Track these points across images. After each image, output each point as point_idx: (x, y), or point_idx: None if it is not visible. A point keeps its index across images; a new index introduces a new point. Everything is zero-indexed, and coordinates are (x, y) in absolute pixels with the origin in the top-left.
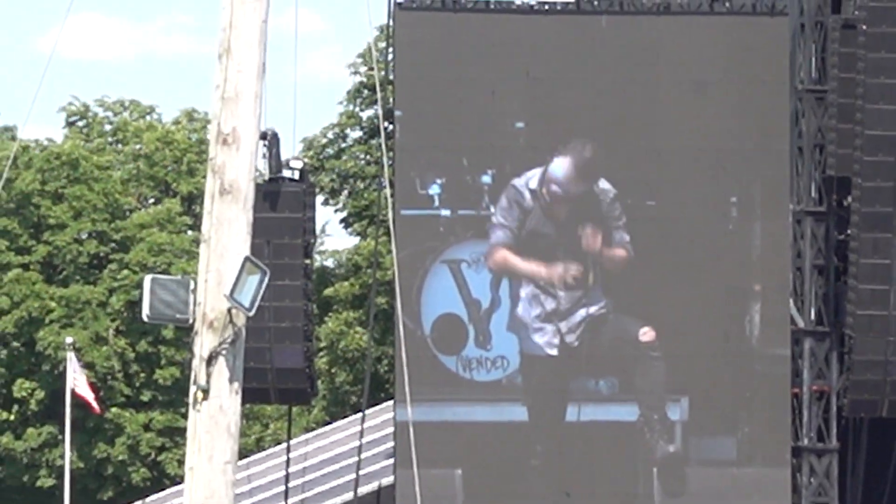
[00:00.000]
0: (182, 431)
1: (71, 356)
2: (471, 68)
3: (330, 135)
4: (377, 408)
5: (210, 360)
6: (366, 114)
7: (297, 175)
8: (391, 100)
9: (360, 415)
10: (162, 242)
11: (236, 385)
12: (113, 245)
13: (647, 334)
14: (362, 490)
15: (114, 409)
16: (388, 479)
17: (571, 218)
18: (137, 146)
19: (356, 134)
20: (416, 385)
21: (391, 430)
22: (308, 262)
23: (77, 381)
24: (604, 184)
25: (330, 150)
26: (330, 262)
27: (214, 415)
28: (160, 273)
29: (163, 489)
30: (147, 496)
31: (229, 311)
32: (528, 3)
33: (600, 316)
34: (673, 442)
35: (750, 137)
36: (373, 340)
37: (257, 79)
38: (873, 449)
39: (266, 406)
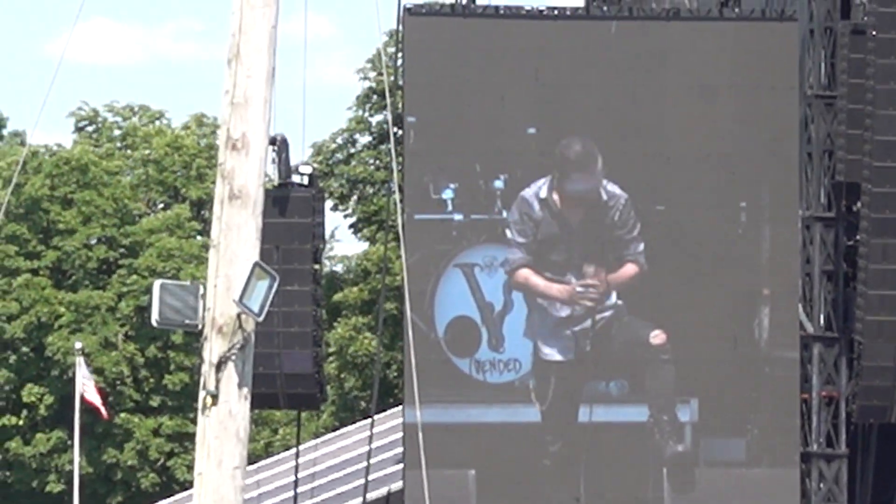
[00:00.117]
0: (191, 437)
1: (80, 361)
2: (480, 73)
3: (339, 140)
4: (386, 413)
5: (219, 366)
6: (375, 119)
7: (306, 180)
8: (400, 105)
9: (369, 420)
10: (171, 248)
11: (245, 390)
12: (122, 250)
13: (657, 337)
14: (371, 496)
15: (123, 415)
16: (397, 485)
17: (584, 223)
18: (147, 151)
19: (365, 139)
20: (429, 387)
21: (400, 435)
22: (317, 267)
23: (86, 386)
24: (612, 187)
25: (339, 156)
26: (339, 268)
27: (223, 420)
28: (169, 278)
29: (172, 494)
30: (156, 501)
31: (238, 316)
32: (538, 9)
33: (613, 319)
34: (682, 442)
35: (759, 143)
36: (382, 346)
37: (267, 84)
38: (882, 454)
39: (275, 411)
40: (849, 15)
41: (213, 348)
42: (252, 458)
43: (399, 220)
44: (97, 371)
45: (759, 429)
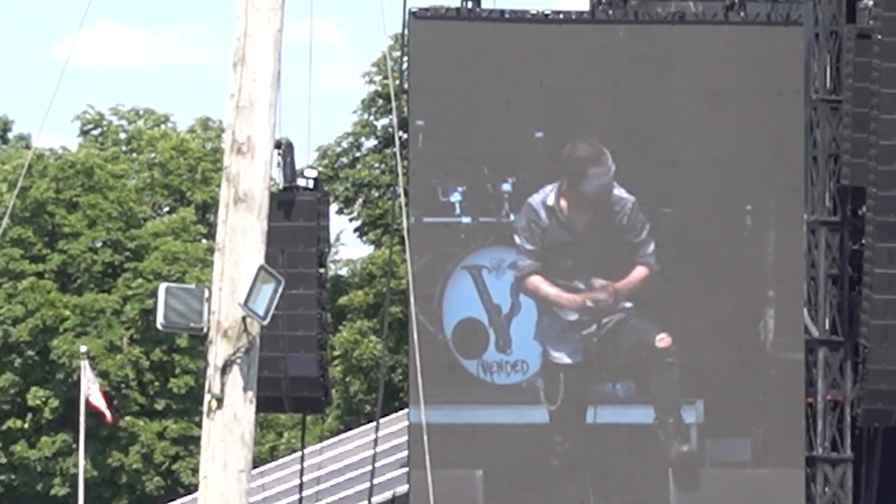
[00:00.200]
0: (196, 440)
1: (85, 365)
2: (485, 77)
3: (344, 144)
4: (391, 416)
5: (224, 369)
6: (380, 123)
7: (311, 184)
8: (406, 109)
9: (373, 424)
10: (176, 251)
11: (250, 394)
12: (127, 254)
13: (663, 340)
14: (376, 499)
15: (128, 418)
16: (402, 488)
17: (592, 228)
18: (152, 155)
19: (371, 143)
20: (437, 388)
21: (405, 438)
22: (322, 271)
23: (91, 389)
24: (620, 191)
25: (344, 159)
26: (344, 271)
27: (228, 423)
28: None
29: (177, 498)
30: None
31: (244, 319)
32: (543, 12)
33: (621, 322)
34: (688, 443)
35: (764, 147)
36: (387, 349)
37: (272, 88)
38: (887, 458)
39: (280, 415)
40: (854, 19)
41: (219, 352)
42: (257, 462)
43: (404, 224)
44: (102, 374)
45: (763, 430)
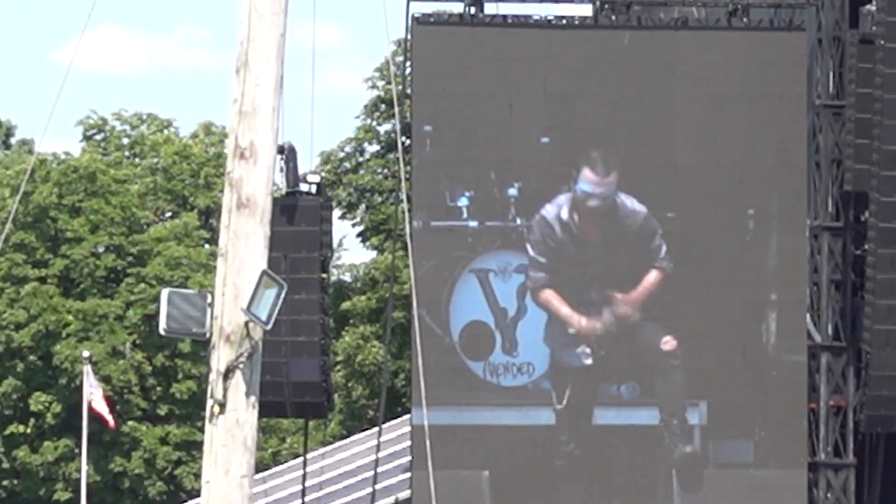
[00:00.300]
0: (199, 445)
1: (87, 370)
2: (488, 82)
3: (347, 149)
4: (394, 422)
5: (227, 374)
6: (383, 128)
7: (314, 189)
8: (408, 114)
9: (376, 429)
10: (179, 256)
11: (253, 399)
12: (130, 259)
13: (668, 343)
14: None
15: (130, 423)
16: (404, 494)
17: (604, 241)
18: (155, 160)
19: (373, 148)
20: (444, 390)
21: (408, 444)
22: (325, 276)
23: (93, 395)
24: (631, 202)
25: (347, 165)
26: (347, 277)
27: (231, 428)
28: (177, 287)
29: (179, 503)
30: None
31: (246, 324)
32: (546, 18)
33: (630, 325)
34: (691, 444)
35: (767, 152)
36: (389, 354)
37: (275, 93)
38: (890, 464)
39: (283, 420)
40: (857, 24)
41: (221, 357)
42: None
43: (407, 229)
44: (105, 379)
45: (766, 431)
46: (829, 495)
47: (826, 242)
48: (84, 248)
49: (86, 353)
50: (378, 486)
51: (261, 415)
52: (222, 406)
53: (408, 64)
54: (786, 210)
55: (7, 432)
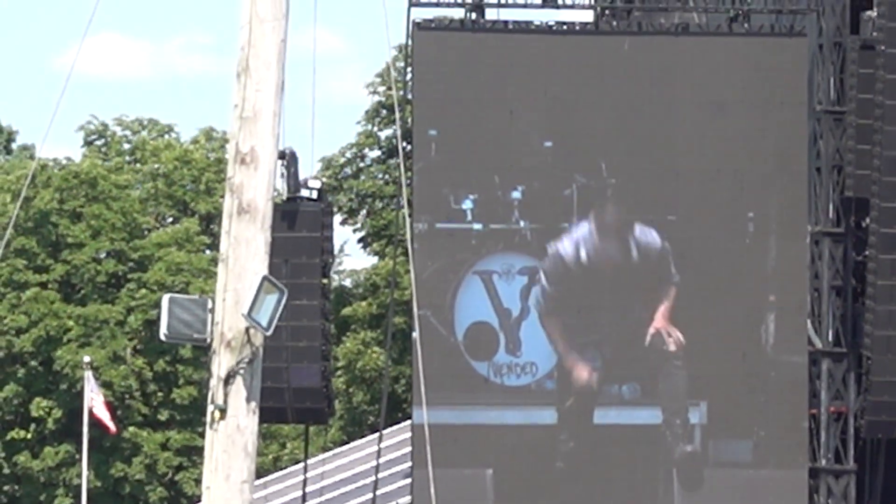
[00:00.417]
0: (199, 451)
1: (88, 375)
2: (490, 88)
3: (348, 154)
4: (394, 427)
5: (227, 380)
6: (384, 133)
7: (315, 194)
8: (409, 119)
9: (377, 434)
10: (180, 262)
11: (253, 404)
12: (131, 264)
13: (671, 344)
14: None
15: (131, 429)
16: (405, 500)
17: (617, 282)
18: (156, 165)
19: (374, 153)
20: (448, 390)
21: (408, 449)
22: (326, 281)
23: (94, 400)
24: (648, 236)
25: (348, 170)
26: (348, 282)
27: (232, 434)
28: (178, 292)
29: None
30: None
31: (247, 330)
32: (546, 24)
33: (634, 328)
34: (692, 443)
35: (768, 158)
36: (390, 360)
37: (276, 98)
38: (890, 470)
39: (283, 425)
40: (858, 30)
41: (222, 362)
42: (260, 473)
43: (408, 234)
44: (106, 385)
45: (765, 431)
46: (829, 501)
47: (827, 248)
48: (85, 253)
49: (86, 359)
50: (378, 492)
51: (261, 420)
52: (223, 412)
53: (409, 69)
54: (786, 215)
55: (8, 438)
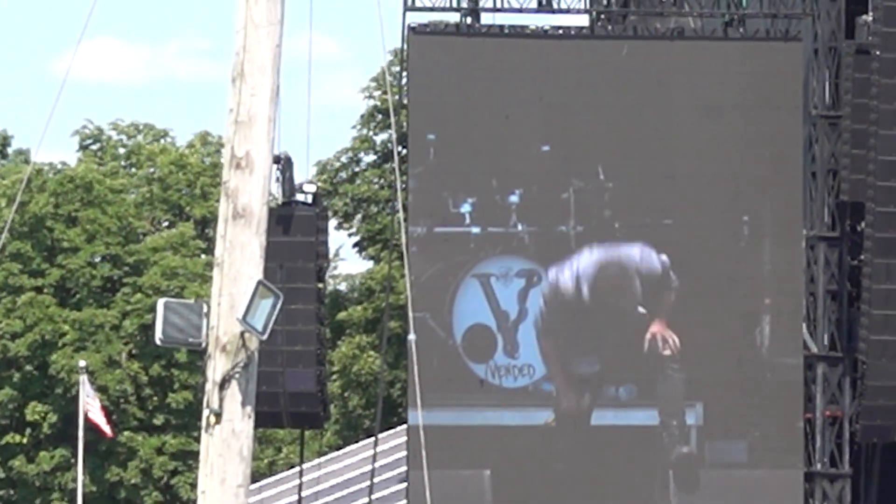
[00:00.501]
0: (195, 455)
1: (84, 379)
2: (485, 92)
3: (343, 159)
4: (390, 432)
5: (223, 384)
6: (379, 138)
7: (310, 199)
8: (405, 124)
9: (372, 439)
10: (175, 266)
11: (249, 409)
12: (126, 269)
13: (668, 348)
14: None
15: (126, 433)
16: None
17: (618, 307)
18: (151, 170)
19: (370, 158)
20: (447, 391)
21: (404, 454)
22: (321, 286)
23: (90, 405)
24: (651, 261)
25: (343, 174)
26: (343, 287)
27: (227, 438)
28: (173, 297)
29: None
30: None
31: (242, 334)
32: (542, 28)
33: (633, 331)
34: (688, 444)
35: (763, 162)
36: (386, 364)
37: (271, 103)
38: (886, 474)
39: (279, 430)
40: (853, 35)
41: (217, 367)
42: (255, 477)
43: (403, 239)
44: (101, 389)
45: (760, 432)
46: None
47: (822, 253)
48: (80, 257)
49: (82, 363)
50: (374, 497)
51: (257, 425)
52: (218, 416)
53: (404, 74)
54: (781, 219)
55: (3, 442)
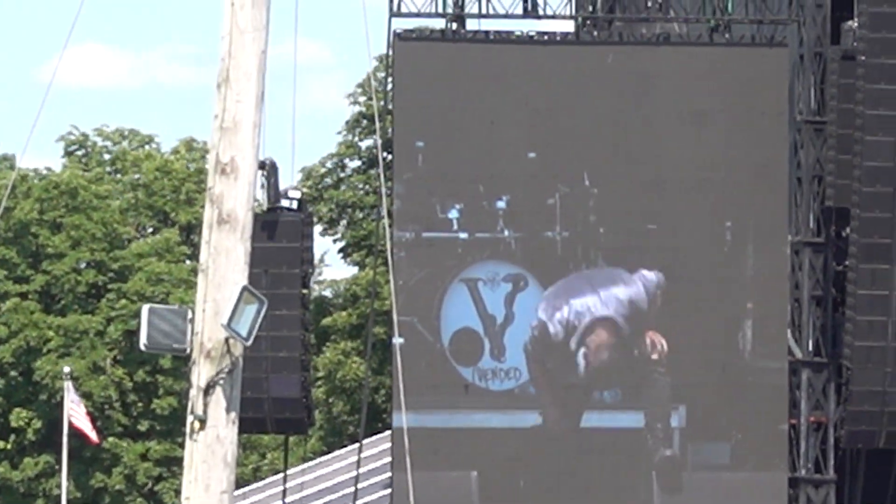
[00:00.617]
0: (179, 461)
1: (68, 385)
2: (470, 98)
3: (329, 164)
4: (374, 438)
5: (207, 390)
6: (365, 144)
7: (295, 205)
8: (390, 130)
9: (357, 445)
10: (160, 272)
11: (233, 415)
12: (111, 274)
13: (655, 352)
14: None
15: (111, 439)
16: None
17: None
18: (136, 175)
19: (355, 164)
20: (434, 394)
21: (388, 459)
22: (306, 291)
23: (75, 411)
24: (642, 286)
25: (328, 180)
26: (328, 292)
27: (211, 444)
28: (158, 303)
29: None
30: None
31: (227, 340)
32: (527, 34)
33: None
34: (671, 447)
35: (749, 168)
36: (370, 370)
37: (256, 109)
38: (870, 480)
39: (263, 436)
40: (839, 41)
41: (201, 373)
42: (240, 483)
43: (388, 244)
44: (85, 395)
45: (742, 435)
46: None
47: (807, 258)
48: (65, 263)
49: (66, 369)
50: (359, 502)
51: (241, 431)
52: (203, 422)
53: (389, 80)
54: (766, 225)
55: None
